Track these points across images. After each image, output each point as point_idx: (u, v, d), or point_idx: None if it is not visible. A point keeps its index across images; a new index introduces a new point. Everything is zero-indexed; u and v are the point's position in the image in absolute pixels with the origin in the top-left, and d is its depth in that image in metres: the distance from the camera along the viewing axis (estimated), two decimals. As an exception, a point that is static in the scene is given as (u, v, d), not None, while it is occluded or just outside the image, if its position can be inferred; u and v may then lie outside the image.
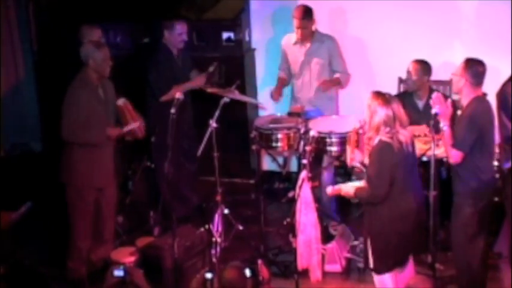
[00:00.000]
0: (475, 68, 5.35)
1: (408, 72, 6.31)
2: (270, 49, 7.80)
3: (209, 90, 6.70)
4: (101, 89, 6.02)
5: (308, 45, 6.89)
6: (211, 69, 6.95)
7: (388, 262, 5.22)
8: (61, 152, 6.08)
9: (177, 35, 6.96)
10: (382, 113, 5.06)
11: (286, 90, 7.19)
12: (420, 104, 6.31)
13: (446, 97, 5.67)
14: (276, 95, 7.02)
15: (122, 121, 6.16)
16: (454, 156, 5.32)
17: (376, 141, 5.10)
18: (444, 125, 5.26)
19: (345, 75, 6.92)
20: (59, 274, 6.15)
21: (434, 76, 6.41)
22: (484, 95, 5.41)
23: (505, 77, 5.66)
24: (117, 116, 6.19)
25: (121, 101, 6.21)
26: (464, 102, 5.38)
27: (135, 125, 6.14)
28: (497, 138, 5.67)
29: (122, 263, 5.79)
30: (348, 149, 5.70)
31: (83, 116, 5.86)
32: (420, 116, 6.10)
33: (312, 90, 6.92)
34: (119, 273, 5.60)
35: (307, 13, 6.77)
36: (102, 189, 6.14)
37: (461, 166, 5.38)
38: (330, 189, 5.49)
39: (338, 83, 6.91)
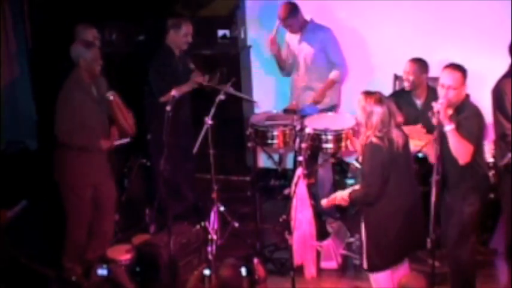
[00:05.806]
0: (466, 72, 5.29)
1: (405, 72, 6.24)
2: (265, 46, 7.78)
3: (204, 84, 6.71)
4: (94, 88, 5.98)
5: (299, 35, 6.86)
6: (215, 76, 6.89)
7: (384, 259, 5.23)
8: (54, 151, 6.04)
9: (183, 35, 6.85)
10: (379, 111, 5.03)
11: (285, 89, 7.20)
12: (419, 102, 6.24)
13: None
14: (273, 44, 6.95)
15: (113, 117, 6.11)
16: (469, 154, 5.17)
17: (368, 141, 5.09)
18: (449, 126, 5.11)
19: (338, 71, 6.83)
20: (55, 272, 6.14)
21: (430, 73, 6.40)
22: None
23: (499, 74, 5.65)
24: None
25: (111, 94, 6.09)
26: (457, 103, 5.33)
27: (125, 140, 6.15)
28: (491, 135, 5.68)
29: (107, 262, 5.81)
30: (354, 140, 5.81)
31: (78, 117, 5.82)
32: (419, 114, 6.08)
33: (307, 81, 6.87)
34: (102, 272, 5.62)
35: (290, 12, 6.73)
36: (98, 186, 6.10)
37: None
38: (324, 202, 5.46)
39: (333, 84, 6.85)
